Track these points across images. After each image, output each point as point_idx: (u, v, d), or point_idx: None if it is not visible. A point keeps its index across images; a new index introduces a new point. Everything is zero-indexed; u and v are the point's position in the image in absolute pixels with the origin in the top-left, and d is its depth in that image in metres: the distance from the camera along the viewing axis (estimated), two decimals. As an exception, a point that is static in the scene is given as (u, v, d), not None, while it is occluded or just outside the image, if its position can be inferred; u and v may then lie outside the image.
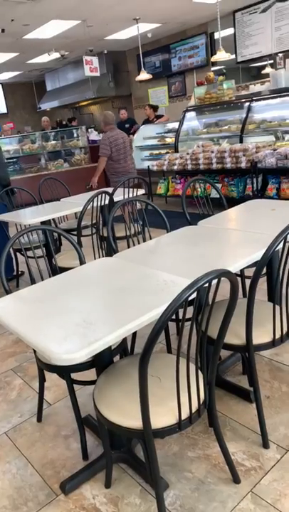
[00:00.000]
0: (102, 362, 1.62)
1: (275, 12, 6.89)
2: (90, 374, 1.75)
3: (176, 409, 1.31)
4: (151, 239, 2.36)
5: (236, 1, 6.67)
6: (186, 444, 1.78)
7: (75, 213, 3.80)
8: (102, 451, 1.70)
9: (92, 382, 1.63)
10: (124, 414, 1.35)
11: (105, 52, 9.30)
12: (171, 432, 1.34)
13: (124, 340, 1.88)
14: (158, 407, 1.33)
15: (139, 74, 7.95)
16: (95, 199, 3.12)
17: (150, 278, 1.67)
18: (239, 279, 2.58)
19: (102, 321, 1.38)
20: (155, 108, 7.93)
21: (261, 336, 1.68)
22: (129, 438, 1.73)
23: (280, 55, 7.12)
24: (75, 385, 1.81)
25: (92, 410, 1.95)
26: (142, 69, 7.93)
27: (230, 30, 7.65)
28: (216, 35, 7.30)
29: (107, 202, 3.35)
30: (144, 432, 1.29)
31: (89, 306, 1.50)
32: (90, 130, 8.87)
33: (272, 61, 7.41)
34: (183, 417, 1.33)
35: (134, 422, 1.31)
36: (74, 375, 1.79)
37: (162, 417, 1.33)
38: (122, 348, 1.84)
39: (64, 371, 1.76)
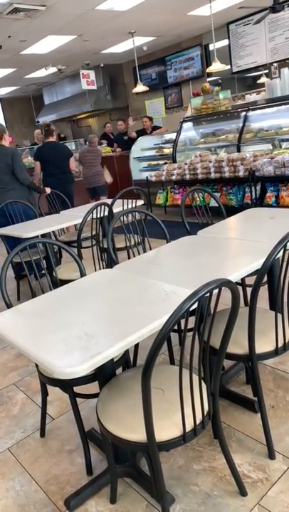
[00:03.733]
0: (104, 375, 1.61)
1: (269, 23, 7.00)
2: (93, 387, 1.73)
3: (180, 421, 1.30)
4: (151, 249, 2.37)
5: (230, 13, 6.77)
6: (192, 456, 1.76)
7: (75, 225, 3.81)
8: (107, 466, 1.68)
9: (95, 396, 1.61)
10: (128, 428, 1.34)
11: (102, 65, 9.41)
12: (176, 445, 1.33)
13: (127, 352, 1.87)
14: (162, 419, 1.32)
15: (135, 86, 8.05)
16: (95, 211, 3.13)
17: (151, 289, 1.67)
18: (240, 287, 2.57)
19: (104, 334, 1.37)
20: (151, 119, 8.03)
21: (264, 344, 1.67)
22: (134, 452, 1.71)
23: (275, 64, 7.21)
24: (77, 399, 1.79)
25: (95, 424, 1.93)
26: (139, 81, 8.03)
27: (224, 42, 7.76)
28: (211, 47, 7.40)
29: (106, 213, 3.36)
30: (149, 446, 1.28)
31: (90, 318, 1.50)
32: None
33: (267, 71, 7.50)
34: (187, 429, 1.31)
35: (138, 435, 1.30)
36: (76, 389, 1.77)
37: (166, 429, 1.31)
38: (125, 360, 1.83)
39: (66, 385, 1.74)
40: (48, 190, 4.35)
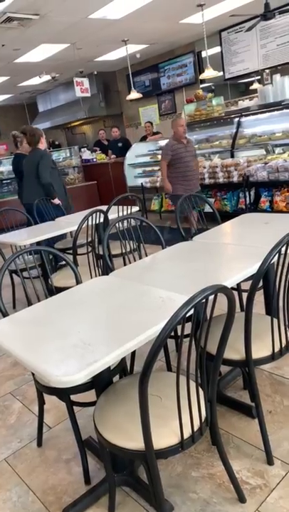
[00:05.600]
0: (101, 383, 1.60)
1: (260, 30, 7.08)
2: (90, 395, 1.72)
3: (178, 428, 1.29)
4: (147, 255, 2.37)
5: (221, 20, 6.84)
6: (190, 463, 1.75)
7: (71, 232, 3.81)
8: (105, 475, 1.66)
9: (92, 404, 1.60)
10: (126, 436, 1.33)
11: (95, 73, 9.47)
12: (174, 452, 1.32)
13: (124, 359, 1.86)
14: (160, 427, 1.31)
15: (129, 93, 8.09)
16: (90, 217, 3.13)
17: (147, 295, 1.67)
18: (236, 293, 2.58)
19: (100, 342, 1.37)
20: (152, 124, 8.18)
21: (260, 350, 1.67)
22: (132, 460, 1.69)
23: (267, 71, 7.28)
24: (75, 407, 1.78)
25: (93, 432, 1.91)
26: (132, 88, 8.07)
27: (217, 49, 7.83)
28: (204, 54, 7.46)
29: (101, 220, 3.37)
30: (147, 454, 1.27)
31: (86, 326, 1.49)
32: (82, 150, 8.96)
33: (259, 77, 7.58)
34: (185, 436, 1.31)
35: (136, 443, 1.29)
36: (73, 397, 1.76)
37: (164, 437, 1.31)
38: (122, 368, 1.82)
39: (63, 393, 1.73)
40: (57, 201, 4.41)
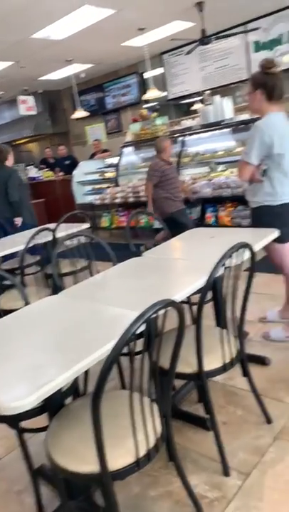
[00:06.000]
0: (53, 406, 1.54)
1: (199, 54, 7.43)
2: (42, 420, 1.66)
3: (134, 447, 1.27)
4: (98, 273, 2.35)
5: (162, 44, 7.11)
6: (147, 482, 1.72)
7: (18, 252, 3.70)
8: (59, 503, 1.59)
9: (45, 429, 1.54)
10: (80, 460, 1.29)
11: (40, 91, 9.43)
12: (131, 472, 1.30)
13: (76, 380, 1.81)
14: (115, 447, 1.28)
15: (75, 112, 8.12)
16: (37, 236, 3.07)
17: (98, 313, 1.65)
18: (187, 306, 2.62)
19: (51, 364, 1.33)
20: (99, 142, 8.25)
21: (212, 361, 1.70)
22: (88, 484, 1.64)
23: (207, 92, 7.63)
24: (26, 434, 1.70)
25: (46, 459, 1.83)
26: (78, 107, 8.11)
27: (159, 70, 8.10)
28: (147, 75, 7.69)
29: (50, 238, 3.31)
30: (102, 476, 1.24)
31: (36, 348, 1.44)
32: (28, 167, 8.82)
33: (201, 97, 7.92)
34: (141, 455, 1.29)
35: (91, 466, 1.25)
36: (24, 423, 1.68)
37: (120, 457, 1.28)
38: (74, 389, 1.78)
39: (13, 420, 1.65)
40: (19, 220, 4.39)
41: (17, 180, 4.46)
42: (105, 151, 7.97)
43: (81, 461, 1.28)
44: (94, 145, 8.20)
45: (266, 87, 2.33)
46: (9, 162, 4.46)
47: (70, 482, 1.53)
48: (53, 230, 3.38)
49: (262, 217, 2.48)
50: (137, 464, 1.29)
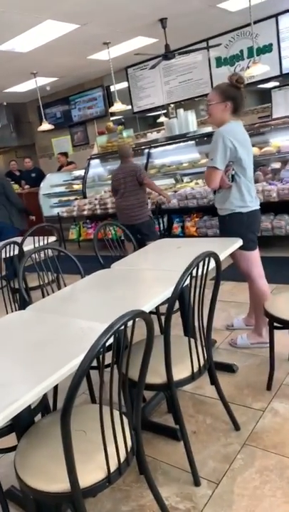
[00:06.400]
0: (21, 424, 1.51)
1: (163, 68, 7.60)
2: (10, 439, 1.61)
3: (104, 461, 1.26)
4: (66, 286, 2.33)
5: (127, 58, 7.21)
6: (119, 498, 1.70)
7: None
8: (30, 525, 1.55)
9: (13, 449, 1.50)
10: (50, 479, 1.26)
11: (5, 103, 9.32)
12: (102, 488, 1.28)
13: (45, 396, 1.78)
14: (85, 463, 1.27)
15: (40, 124, 8.07)
16: (3, 250, 3.01)
17: (67, 327, 1.64)
18: (156, 316, 2.64)
19: (19, 381, 1.30)
20: (66, 155, 8.22)
21: (181, 371, 1.72)
22: (59, 504, 1.60)
23: (172, 105, 7.79)
24: (-7, 455, 1.65)
25: (15, 480, 1.78)
26: (44, 119, 8.07)
27: (124, 84, 8.21)
28: (112, 88, 7.77)
29: (16, 252, 3.26)
30: (73, 494, 1.22)
31: (3, 365, 1.42)
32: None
33: (165, 111, 8.07)
34: (112, 469, 1.28)
35: (61, 484, 1.23)
36: (-9, 444, 1.64)
37: (90, 473, 1.27)
38: (43, 406, 1.75)
39: (-21, 441, 1.60)
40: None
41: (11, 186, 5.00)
42: (70, 163, 7.97)
43: (51, 480, 1.26)
44: (58, 158, 8.21)
45: (235, 100, 2.42)
46: None
47: (41, 502, 1.49)
48: (20, 244, 3.34)
49: (232, 225, 2.53)
50: (108, 480, 1.28)
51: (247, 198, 2.49)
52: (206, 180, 2.51)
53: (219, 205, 2.59)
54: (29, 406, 1.35)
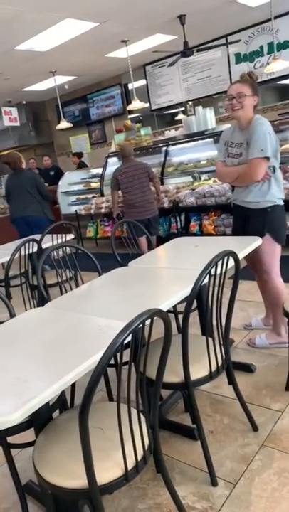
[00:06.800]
0: (40, 420, 1.53)
1: (182, 65, 7.56)
2: (29, 434, 1.63)
3: (122, 459, 1.26)
4: (83, 283, 2.35)
5: (145, 55, 7.21)
6: (136, 495, 1.71)
7: (2, 264, 3.67)
8: (47, 520, 1.56)
9: (32, 444, 1.52)
10: (68, 475, 1.27)
11: (24, 102, 9.43)
12: (119, 486, 1.29)
13: (63, 393, 1.80)
14: (102, 460, 1.28)
15: (59, 123, 8.14)
16: (23, 247, 3.05)
17: (85, 325, 1.65)
18: (173, 315, 2.63)
19: (37, 377, 1.32)
20: (80, 155, 8.34)
21: (198, 370, 1.71)
22: (76, 499, 1.62)
23: (190, 102, 7.75)
24: (13, 449, 1.67)
25: (33, 475, 1.81)
26: (62, 118, 8.14)
27: (142, 81, 8.19)
28: (130, 86, 7.77)
29: (35, 249, 3.29)
30: (90, 491, 1.23)
31: (22, 362, 1.43)
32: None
33: (183, 108, 8.03)
34: (129, 467, 1.28)
35: (79, 481, 1.24)
36: (11, 438, 1.66)
37: (108, 470, 1.27)
38: (61, 402, 1.76)
39: (-1, 436, 1.63)
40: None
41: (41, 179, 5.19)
42: (81, 164, 8.19)
43: (69, 476, 1.27)
44: (72, 161, 8.48)
45: (258, 96, 2.43)
46: (24, 166, 5.06)
47: (58, 498, 1.51)
48: (39, 241, 3.37)
49: (274, 217, 2.47)
50: (126, 477, 1.28)
51: (282, 189, 2.48)
52: (253, 172, 2.36)
53: (258, 198, 2.47)
54: (47, 402, 1.36)
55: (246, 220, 2.56)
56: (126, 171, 4.66)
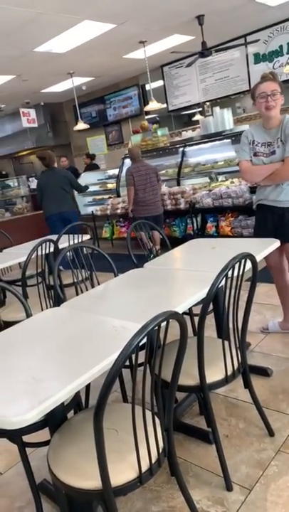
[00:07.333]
0: (55, 420, 1.53)
1: (199, 66, 7.52)
2: (44, 434, 1.64)
3: (136, 462, 1.26)
4: (99, 284, 2.35)
5: (163, 56, 7.19)
6: (150, 498, 1.70)
7: (19, 263, 3.71)
8: (61, 519, 1.57)
9: (47, 443, 1.53)
10: (82, 475, 1.27)
11: (42, 104, 9.53)
12: (133, 488, 1.28)
13: (78, 393, 1.80)
14: (117, 462, 1.27)
15: (76, 124, 8.20)
16: (39, 248, 3.07)
17: (100, 325, 1.65)
18: (188, 317, 2.61)
19: (53, 377, 1.32)
20: (92, 157, 8.51)
21: (214, 374, 1.69)
22: (90, 500, 1.62)
23: (208, 103, 7.70)
24: (28, 448, 1.69)
25: (48, 474, 1.81)
26: (79, 119, 8.19)
27: (160, 82, 8.19)
28: (147, 87, 7.77)
29: (52, 249, 3.31)
30: (104, 492, 1.22)
31: (37, 361, 1.44)
32: (30, 179, 8.88)
33: (201, 109, 7.99)
34: (143, 470, 1.27)
35: (93, 482, 1.24)
36: (26, 437, 1.67)
37: (122, 472, 1.27)
38: (76, 403, 1.77)
39: (14, 435, 1.64)
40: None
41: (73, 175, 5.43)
42: (90, 165, 8.43)
43: (83, 477, 1.27)
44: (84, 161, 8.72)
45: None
46: (56, 164, 5.32)
47: (72, 498, 1.51)
48: (56, 241, 3.39)
49: None
50: (140, 480, 1.27)
51: None
52: None
53: None
54: (62, 402, 1.36)
55: (281, 220, 2.54)
56: (140, 170, 5.02)
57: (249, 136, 2.55)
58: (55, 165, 5.31)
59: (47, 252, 3.21)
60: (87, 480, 1.25)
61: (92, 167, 8.28)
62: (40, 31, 5.15)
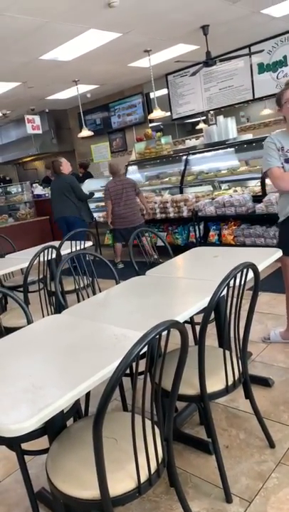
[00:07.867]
0: (54, 428, 1.52)
1: (204, 75, 7.57)
2: (43, 442, 1.63)
3: (135, 472, 1.25)
4: (100, 291, 2.35)
5: (167, 65, 7.25)
6: (148, 508, 1.68)
7: (21, 269, 3.71)
8: (59, 529, 1.55)
9: (45, 451, 1.52)
10: (80, 485, 1.26)
11: (47, 110, 9.60)
12: (132, 498, 1.27)
13: (78, 401, 1.79)
14: (115, 471, 1.26)
15: (80, 131, 8.24)
16: (42, 254, 3.08)
17: (101, 333, 1.65)
18: (190, 326, 2.61)
19: (53, 384, 1.32)
20: (86, 166, 8.98)
21: (215, 383, 1.68)
22: (88, 510, 1.60)
23: (211, 112, 7.74)
24: (26, 456, 1.67)
25: (46, 482, 1.80)
26: (84, 126, 8.24)
27: (164, 91, 8.24)
28: (152, 95, 7.82)
29: (54, 256, 3.32)
30: (103, 502, 1.21)
31: (37, 368, 1.44)
32: (34, 185, 8.92)
33: (204, 117, 8.03)
34: (142, 480, 1.26)
35: (91, 491, 1.23)
36: (25, 445, 1.66)
37: (121, 482, 1.26)
38: (75, 411, 1.76)
39: (13, 442, 1.63)
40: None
41: (77, 183, 5.57)
42: (84, 175, 8.56)
43: (81, 487, 1.26)
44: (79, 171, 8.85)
45: None
46: (65, 170, 5.49)
47: (70, 507, 1.50)
48: (58, 248, 3.40)
49: None
50: (138, 490, 1.26)
51: None
52: None
53: None
54: (62, 410, 1.36)
55: None
56: (116, 185, 5.48)
57: (277, 142, 2.49)
58: (65, 171, 5.50)
59: (49, 258, 3.22)
60: (86, 490, 1.24)
61: (86, 176, 8.35)
62: (46, 39, 5.20)
